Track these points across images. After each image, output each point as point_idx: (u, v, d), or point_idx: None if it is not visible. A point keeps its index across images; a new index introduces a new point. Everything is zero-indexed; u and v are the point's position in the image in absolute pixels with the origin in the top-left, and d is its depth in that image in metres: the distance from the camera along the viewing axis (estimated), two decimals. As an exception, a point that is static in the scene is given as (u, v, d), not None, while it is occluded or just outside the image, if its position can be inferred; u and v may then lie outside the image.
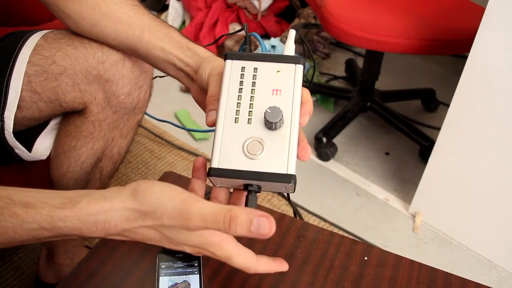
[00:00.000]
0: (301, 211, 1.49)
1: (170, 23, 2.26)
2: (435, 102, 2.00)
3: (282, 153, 0.54)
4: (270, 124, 0.54)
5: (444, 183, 1.40)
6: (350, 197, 1.57)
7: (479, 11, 1.16)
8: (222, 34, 2.07)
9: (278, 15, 2.31)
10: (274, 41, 2.06)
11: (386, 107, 1.80)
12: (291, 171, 0.54)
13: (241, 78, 0.58)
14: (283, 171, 0.54)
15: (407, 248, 1.41)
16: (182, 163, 1.63)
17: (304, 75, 0.58)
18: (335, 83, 2.16)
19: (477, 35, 1.15)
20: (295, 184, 0.54)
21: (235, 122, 0.56)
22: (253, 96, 0.57)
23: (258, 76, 0.58)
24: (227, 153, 0.55)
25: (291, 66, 0.58)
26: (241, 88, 0.57)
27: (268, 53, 0.60)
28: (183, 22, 2.32)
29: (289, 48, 0.62)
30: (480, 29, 1.14)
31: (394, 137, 1.83)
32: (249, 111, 0.56)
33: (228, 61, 0.59)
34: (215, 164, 0.55)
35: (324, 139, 1.69)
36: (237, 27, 2.17)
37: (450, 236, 1.44)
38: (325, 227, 1.43)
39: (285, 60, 0.58)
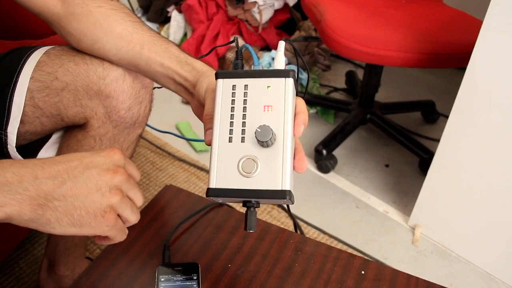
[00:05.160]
0: (300, 223, 1.50)
1: (172, 36, 2.31)
2: (435, 113, 2.01)
3: (276, 169, 0.55)
4: (262, 143, 0.55)
5: (443, 195, 1.40)
6: (350, 209, 1.58)
7: (477, 25, 1.17)
8: (222, 47, 2.11)
9: (279, 27, 2.33)
10: (275, 53, 2.08)
11: (386, 119, 1.82)
12: (286, 186, 0.55)
13: (232, 96, 0.59)
14: (278, 187, 0.55)
15: (406, 260, 1.41)
16: (183, 175, 1.64)
17: (301, 85, 0.58)
18: (336, 95, 2.18)
19: (475, 48, 1.16)
20: (291, 198, 0.55)
21: (229, 141, 0.57)
22: (245, 114, 0.58)
23: (249, 93, 0.58)
24: (223, 173, 0.56)
25: (281, 80, 0.58)
26: (233, 107, 0.58)
27: (259, 68, 0.60)
28: (185, 35, 2.34)
29: (279, 61, 0.62)
30: (477, 42, 1.16)
31: (394, 149, 1.84)
32: (242, 130, 0.57)
33: (219, 80, 0.60)
34: (213, 184, 0.56)
35: (324, 151, 1.70)
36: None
37: (449, 248, 1.44)
38: (324, 240, 1.44)
39: (274, 75, 0.59)
